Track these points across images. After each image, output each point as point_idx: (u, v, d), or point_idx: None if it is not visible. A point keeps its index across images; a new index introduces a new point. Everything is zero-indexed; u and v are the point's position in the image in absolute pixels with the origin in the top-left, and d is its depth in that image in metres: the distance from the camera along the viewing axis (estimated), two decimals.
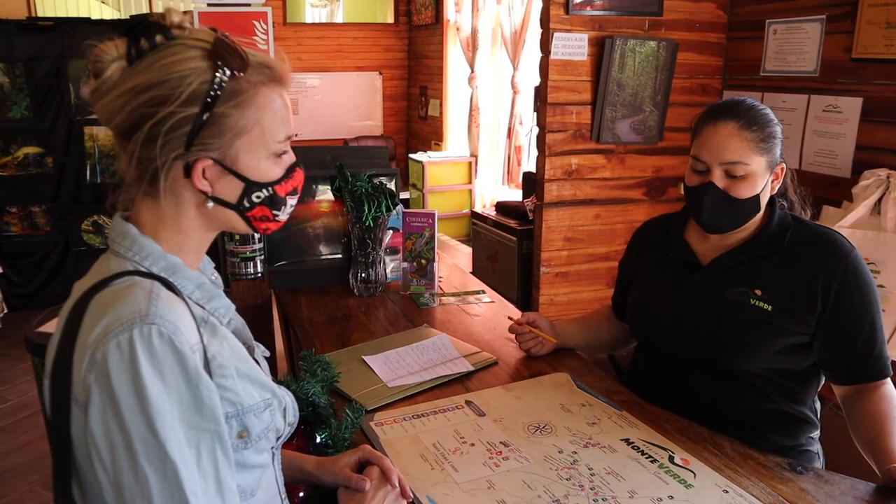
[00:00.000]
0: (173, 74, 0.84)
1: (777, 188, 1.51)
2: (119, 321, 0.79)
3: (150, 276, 0.87)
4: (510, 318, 1.81)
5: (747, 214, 1.48)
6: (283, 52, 0.97)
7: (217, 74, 0.86)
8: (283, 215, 0.99)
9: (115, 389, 0.77)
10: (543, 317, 1.78)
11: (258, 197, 0.94)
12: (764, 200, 1.48)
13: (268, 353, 1.10)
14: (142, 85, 0.84)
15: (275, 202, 0.96)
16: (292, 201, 0.99)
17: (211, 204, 0.92)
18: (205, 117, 0.86)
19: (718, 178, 1.45)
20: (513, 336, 1.80)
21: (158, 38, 0.86)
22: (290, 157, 0.97)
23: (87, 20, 4.80)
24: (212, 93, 0.86)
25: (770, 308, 1.45)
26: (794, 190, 1.61)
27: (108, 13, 7.06)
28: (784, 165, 1.51)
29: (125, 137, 0.87)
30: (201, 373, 0.81)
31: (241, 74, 0.88)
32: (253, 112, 0.89)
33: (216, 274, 1.06)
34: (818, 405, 1.59)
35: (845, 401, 1.48)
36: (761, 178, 1.45)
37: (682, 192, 1.55)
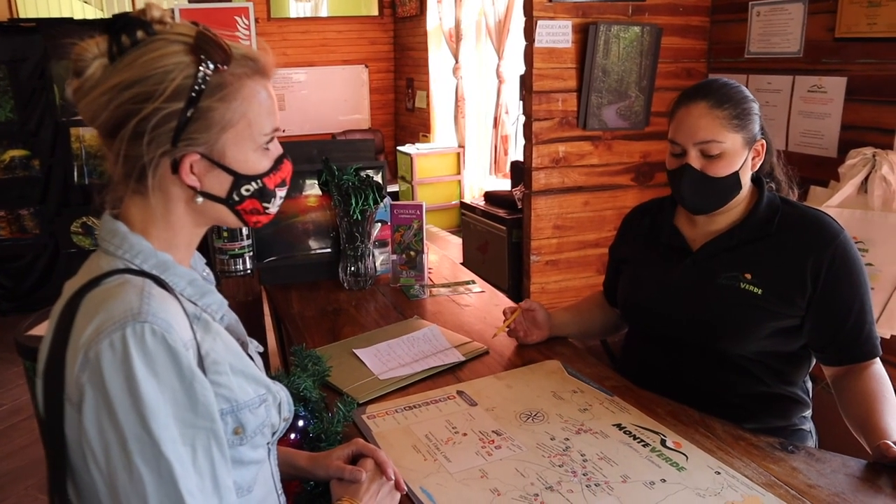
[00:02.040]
0: (156, 70, 0.84)
1: (759, 165, 1.51)
2: (111, 320, 0.78)
3: (142, 273, 0.86)
4: (504, 314, 1.80)
5: (728, 193, 1.48)
6: (266, 44, 0.96)
7: (200, 68, 0.85)
8: (273, 208, 0.99)
9: (108, 389, 0.76)
10: (536, 303, 1.78)
11: (247, 190, 0.94)
12: (745, 178, 1.48)
13: (261, 349, 1.10)
14: (125, 82, 0.84)
15: (264, 195, 0.96)
16: (281, 193, 0.99)
17: (200, 199, 0.91)
18: (190, 112, 0.85)
19: (694, 159, 1.46)
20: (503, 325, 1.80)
21: (140, 34, 0.85)
22: (278, 149, 0.97)
23: (70, 20, 4.76)
24: (196, 87, 0.85)
25: (760, 292, 1.45)
26: (780, 170, 1.61)
27: (91, 13, 7.00)
28: (765, 142, 1.50)
29: (110, 136, 0.87)
30: (195, 370, 0.81)
31: (225, 67, 0.87)
32: (238, 105, 0.89)
33: (207, 270, 1.05)
34: (809, 384, 1.60)
35: (835, 381, 1.49)
36: (738, 156, 1.45)
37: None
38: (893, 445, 1.21)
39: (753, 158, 1.49)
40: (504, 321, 1.76)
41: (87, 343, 0.78)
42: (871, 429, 1.32)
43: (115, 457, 0.77)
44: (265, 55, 0.93)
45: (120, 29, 0.85)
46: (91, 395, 0.77)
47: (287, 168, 0.99)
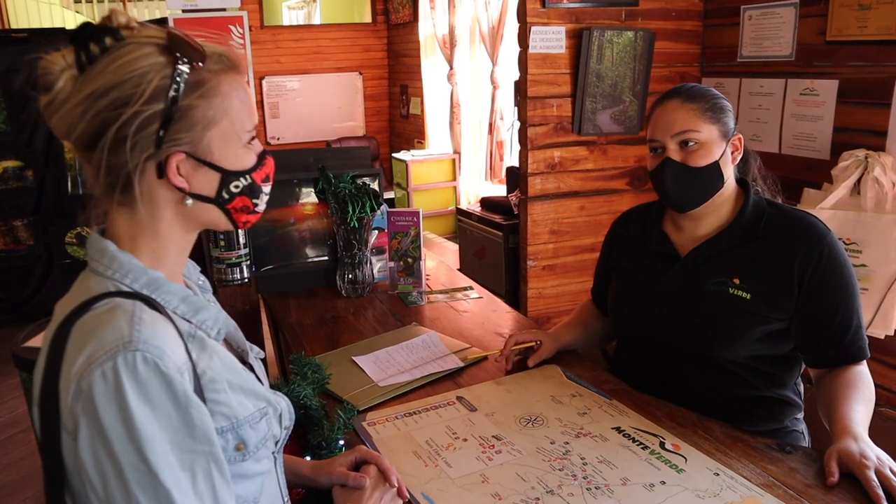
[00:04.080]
0: (132, 73, 0.82)
1: (738, 159, 1.52)
2: (102, 349, 0.77)
3: (132, 295, 0.85)
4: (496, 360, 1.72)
5: (710, 185, 1.49)
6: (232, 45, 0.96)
7: (177, 67, 0.84)
8: (262, 205, 0.98)
9: (101, 419, 0.75)
10: (548, 349, 1.71)
11: (236, 187, 0.92)
12: (726, 171, 1.49)
13: (262, 355, 1.09)
14: (100, 89, 0.82)
15: (253, 190, 0.95)
16: (267, 189, 0.98)
17: (190, 201, 0.90)
18: (171, 112, 0.84)
19: (674, 152, 1.48)
20: (502, 331, 1.80)
21: (108, 40, 0.83)
22: (259, 145, 0.96)
23: (62, 31, 4.76)
24: (175, 86, 0.84)
25: (749, 296, 1.46)
26: (762, 177, 1.62)
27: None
28: (741, 137, 1.52)
29: (89, 148, 0.85)
30: (190, 395, 0.80)
31: (201, 65, 0.86)
32: (219, 102, 0.88)
33: (203, 278, 1.04)
34: (801, 387, 1.61)
35: (818, 381, 1.50)
36: (716, 146, 1.47)
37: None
38: (835, 469, 1.19)
39: (733, 152, 1.51)
40: (514, 346, 1.68)
41: (78, 373, 0.77)
42: (835, 413, 1.33)
43: (113, 486, 0.76)
44: (236, 51, 0.93)
45: (87, 38, 0.83)
46: (85, 426, 0.76)
47: (270, 164, 0.98)
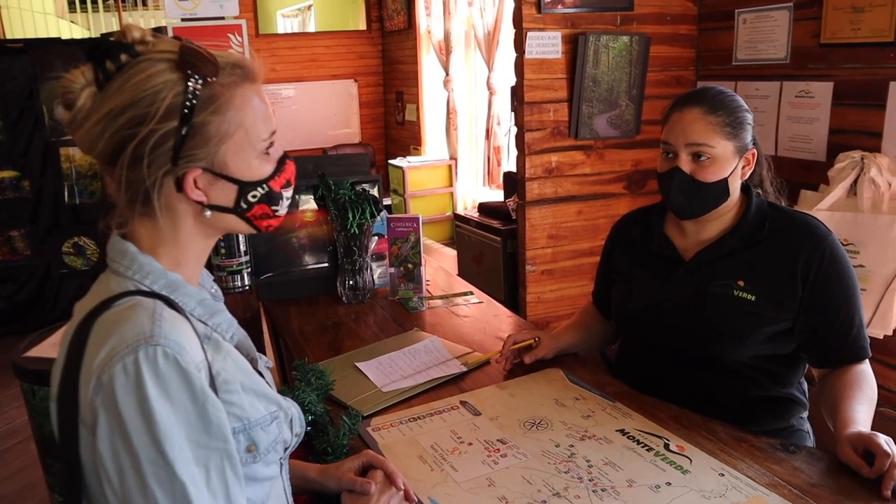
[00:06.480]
0: (146, 92, 0.83)
1: (748, 174, 1.53)
2: (124, 344, 0.79)
3: (152, 294, 0.87)
4: (496, 361, 1.72)
5: (715, 199, 1.49)
6: (253, 52, 0.96)
7: (189, 84, 0.85)
8: (282, 210, 0.99)
9: (121, 412, 0.77)
10: (548, 350, 1.71)
11: (254, 196, 0.94)
12: (734, 186, 1.50)
13: (270, 364, 1.10)
14: (117, 108, 0.83)
15: (271, 198, 0.96)
16: (287, 194, 0.99)
17: (209, 212, 0.91)
18: (185, 129, 0.85)
19: (684, 163, 1.47)
20: (503, 335, 1.80)
21: (123, 57, 0.84)
22: (278, 152, 0.97)
23: (58, 40, 4.76)
24: (188, 103, 0.84)
25: (753, 298, 1.47)
26: (769, 181, 1.62)
27: (78, 32, 7.01)
28: (755, 151, 1.52)
29: (110, 163, 0.86)
30: (207, 392, 0.81)
31: (214, 79, 0.87)
32: (233, 115, 0.88)
33: (216, 287, 1.06)
34: (805, 385, 1.61)
35: (821, 379, 1.50)
36: (728, 163, 1.47)
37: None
38: (861, 460, 1.19)
39: (744, 167, 1.51)
40: (513, 345, 1.69)
41: (99, 367, 0.78)
42: (838, 412, 1.33)
43: (130, 479, 0.77)
44: (252, 61, 0.93)
45: (103, 55, 0.84)
46: (105, 419, 0.77)
47: (290, 168, 0.99)
